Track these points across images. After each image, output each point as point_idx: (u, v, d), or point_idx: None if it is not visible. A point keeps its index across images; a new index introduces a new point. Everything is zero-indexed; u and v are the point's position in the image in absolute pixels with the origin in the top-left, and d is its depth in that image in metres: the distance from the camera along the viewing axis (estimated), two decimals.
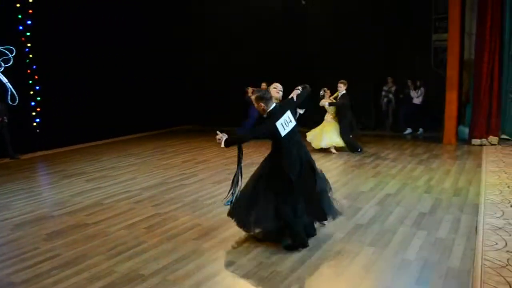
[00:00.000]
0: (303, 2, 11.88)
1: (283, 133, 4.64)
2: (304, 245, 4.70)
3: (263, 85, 12.10)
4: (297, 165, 4.71)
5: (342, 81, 10.01)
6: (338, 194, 6.23)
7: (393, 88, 13.14)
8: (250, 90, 12.21)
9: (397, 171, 8.29)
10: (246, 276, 4.20)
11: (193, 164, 9.49)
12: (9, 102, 10.87)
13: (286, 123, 4.66)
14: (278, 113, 4.67)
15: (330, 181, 5.25)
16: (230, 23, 14.63)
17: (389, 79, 13.15)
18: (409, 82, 12.70)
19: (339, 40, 13.07)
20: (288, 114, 4.72)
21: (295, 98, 4.98)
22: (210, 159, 9.95)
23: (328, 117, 10.27)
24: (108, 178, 8.38)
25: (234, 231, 5.28)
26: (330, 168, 8.48)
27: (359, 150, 10.05)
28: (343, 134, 10.05)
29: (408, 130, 12.83)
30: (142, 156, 10.62)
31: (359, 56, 12.99)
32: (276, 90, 5.21)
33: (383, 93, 13.27)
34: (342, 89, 9.94)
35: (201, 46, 15.34)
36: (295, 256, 4.55)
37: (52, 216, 6.22)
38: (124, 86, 13.64)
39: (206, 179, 8.07)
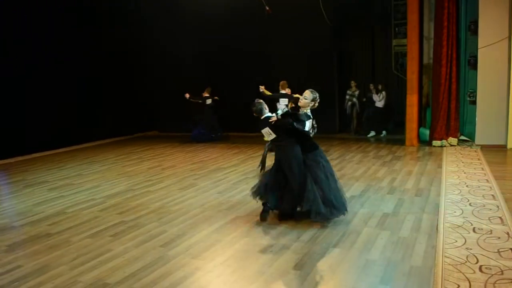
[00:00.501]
0: (267, 8, 11.95)
1: (266, 139, 6.06)
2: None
3: (205, 92, 13.25)
4: (276, 162, 5.90)
5: (281, 82, 10.67)
6: None
7: (356, 92, 13.38)
8: (187, 95, 13.07)
9: (361, 173, 8.45)
10: (212, 282, 4.20)
11: (159, 170, 9.40)
12: None
13: (266, 135, 5.90)
14: (261, 124, 5.90)
15: None
16: (185, 28, 14.49)
17: (353, 83, 13.39)
18: (371, 86, 12.98)
19: (301, 44, 13.19)
20: (267, 128, 5.81)
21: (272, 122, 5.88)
22: (176, 165, 9.88)
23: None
24: (72, 187, 8.21)
25: (200, 237, 5.29)
26: None
27: None
28: None
29: (372, 133, 13.08)
30: (106, 163, 10.45)
31: (321, 60, 13.20)
32: (300, 98, 5.95)
33: (347, 97, 13.48)
34: (281, 91, 10.60)
35: (157, 51, 15.16)
36: (262, 259, 4.59)
37: (13, 227, 6.04)
38: (84, 92, 13.41)
39: (172, 185, 8.02)
